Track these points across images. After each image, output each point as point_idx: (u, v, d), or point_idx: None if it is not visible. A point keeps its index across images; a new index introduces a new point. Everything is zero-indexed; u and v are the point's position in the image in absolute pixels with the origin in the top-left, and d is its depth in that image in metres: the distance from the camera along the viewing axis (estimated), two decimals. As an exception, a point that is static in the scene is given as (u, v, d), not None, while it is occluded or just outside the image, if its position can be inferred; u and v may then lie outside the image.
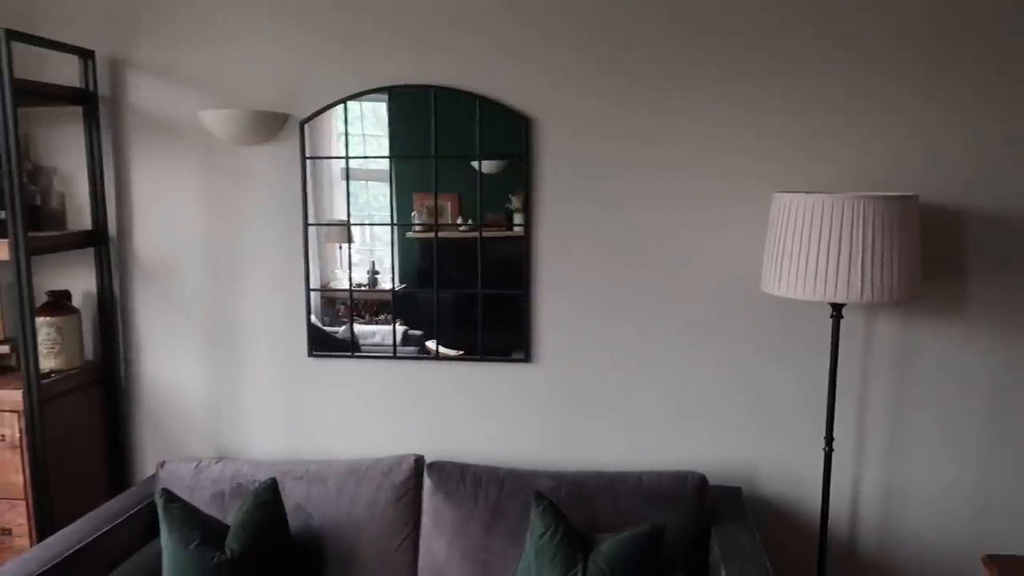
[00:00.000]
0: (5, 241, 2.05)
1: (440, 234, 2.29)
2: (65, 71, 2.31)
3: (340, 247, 2.36)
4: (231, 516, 2.04)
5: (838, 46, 2.07)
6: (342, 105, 2.27)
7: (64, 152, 2.42)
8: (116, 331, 2.46)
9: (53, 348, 2.28)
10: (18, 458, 2.14)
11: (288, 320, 2.39)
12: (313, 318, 2.38)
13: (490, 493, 2.09)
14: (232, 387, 2.45)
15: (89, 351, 2.48)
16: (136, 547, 2.10)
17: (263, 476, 2.16)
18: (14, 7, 2.36)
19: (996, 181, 2.07)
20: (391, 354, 2.36)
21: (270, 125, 2.27)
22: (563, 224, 2.24)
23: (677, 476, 2.09)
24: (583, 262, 2.25)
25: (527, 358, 2.31)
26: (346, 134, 2.28)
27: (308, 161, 2.31)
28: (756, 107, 2.12)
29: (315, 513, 2.12)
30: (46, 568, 1.80)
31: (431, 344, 2.34)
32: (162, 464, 2.28)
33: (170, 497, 1.96)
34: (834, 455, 2.10)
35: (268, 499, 2.01)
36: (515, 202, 2.25)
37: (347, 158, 2.30)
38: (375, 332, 2.37)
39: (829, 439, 2.04)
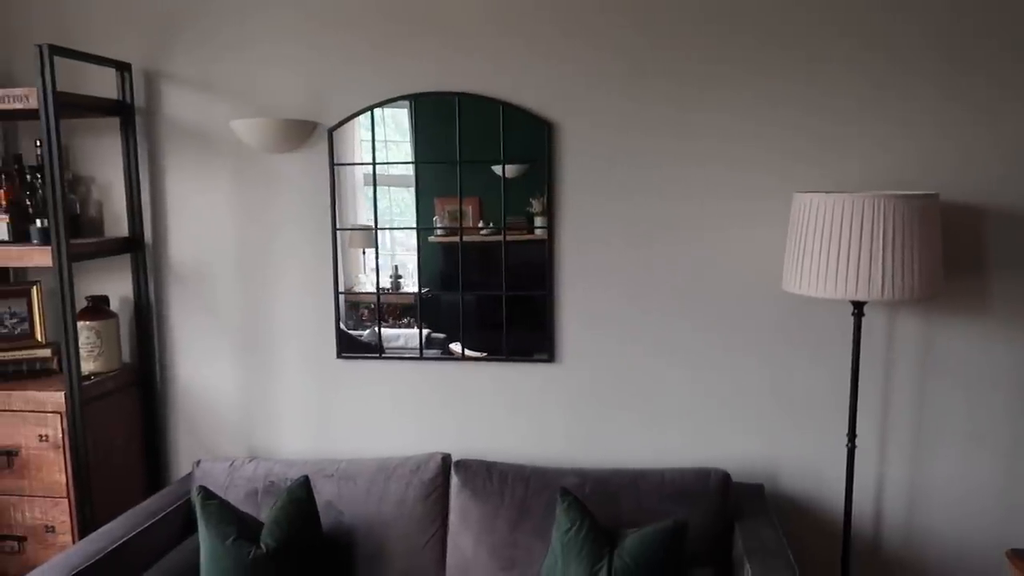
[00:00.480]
0: (48, 248, 2.13)
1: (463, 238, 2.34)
2: (103, 83, 2.39)
3: (364, 252, 2.41)
4: (264, 513, 2.09)
5: (864, 46, 2.09)
6: (367, 113, 2.32)
7: (101, 162, 2.50)
8: (152, 335, 2.53)
9: (93, 351, 2.35)
10: (61, 458, 2.22)
11: (317, 322, 2.45)
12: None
13: (516, 490, 2.12)
14: (263, 388, 2.52)
15: (126, 354, 2.55)
16: (173, 544, 2.16)
17: (295, 474, 2.21)
18: (55, 23, 2.45)
19: (1021, 179, 2.08)
20: (417, 355, 2.41)
21: (299, 133, 2.34)
22: (585, 227, 2.28)
23: (700, 473, 2.11)
24: (604, 263, 2.28)
25: (551, 358, 2.35)
26: (372, 140, 2.34)
27: (335, 167, 2.37)
28: (778, 104, 2.14)
29: (345, 510, 2.17)
30: (89, 563, 1.86)
31: (455, 346, 2.39)
32: (198, 463, 2.35)
33: (207, 494, 2.02)
34: (857, 452, 2.11)
35: (301, 496, 2.06)
36: (536, 205, 2.29)
37: (374, 164, 2.35)
38: (399, 335, 2.42)
39: (852, 436, 2.05)
